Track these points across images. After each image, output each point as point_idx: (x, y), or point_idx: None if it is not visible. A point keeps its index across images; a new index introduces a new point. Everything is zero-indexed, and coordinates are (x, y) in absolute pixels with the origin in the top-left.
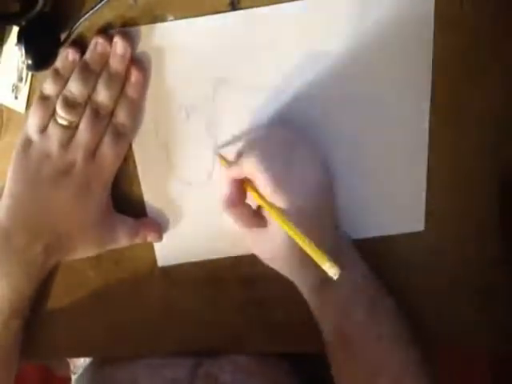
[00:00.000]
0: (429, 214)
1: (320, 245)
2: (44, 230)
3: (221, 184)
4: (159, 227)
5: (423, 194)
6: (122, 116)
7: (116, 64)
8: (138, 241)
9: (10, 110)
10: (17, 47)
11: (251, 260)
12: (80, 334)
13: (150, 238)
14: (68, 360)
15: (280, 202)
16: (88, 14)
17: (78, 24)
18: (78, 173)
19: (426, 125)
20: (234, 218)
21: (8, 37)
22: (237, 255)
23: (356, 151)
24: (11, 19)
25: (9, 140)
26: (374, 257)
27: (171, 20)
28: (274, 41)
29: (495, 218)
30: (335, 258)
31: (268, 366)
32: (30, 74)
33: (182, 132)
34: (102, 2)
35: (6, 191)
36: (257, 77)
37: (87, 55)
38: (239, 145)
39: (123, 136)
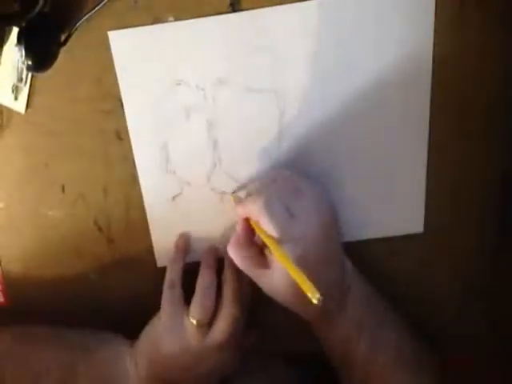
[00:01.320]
0: (428, 216)
1: (326, 287)
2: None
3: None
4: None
5: (422, 196)
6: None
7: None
8: None
9: (10, 110)
10: (17, 48)
11: None
12: None
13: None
14: None
15: (283, 247)
16: (88, 14)
17: (78, 24)
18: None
19: (426, 126)
20: (240, 260)
21: (8, 37)
22: None
23: (356, 153)
24: (11, 19)
25: (9, 140)
26: (374, 258)
27: (171, 21)
28: (274, 42)
29: (496, 218)
30: (339, 299)
31: (268, 365)
32: (30, 74)
33: (181, 132)
34: (102, 3)
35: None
36: (257, 78)
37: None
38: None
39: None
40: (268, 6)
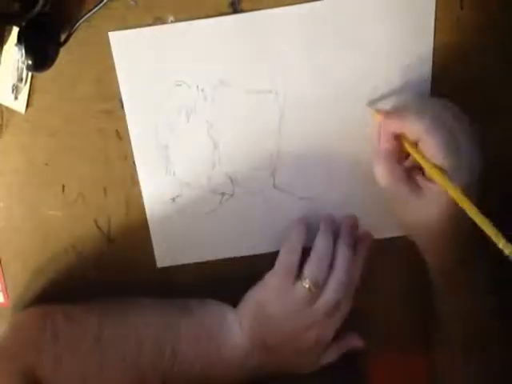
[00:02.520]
0: None
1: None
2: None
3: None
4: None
5: None
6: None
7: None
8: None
9: (10, 110)
10: (17, 47)
11: (251, 260)
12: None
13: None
14: None
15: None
16: (88, 14)
17: (78, 24)
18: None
19: None
20: (386, 175)
21: (8, 37)
22: (236, 256)
23: (356, 153)
24: (11, 19)
25: (9, 140)
26: (374, 258)
27: (172, 21)
28: (274, 43)
29: (495, 215)
30: None
31: None
32: (29, 74)
33: (181, 133)
34: (102, 3)
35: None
36: (257, 79)
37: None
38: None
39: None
40: (268, 7)
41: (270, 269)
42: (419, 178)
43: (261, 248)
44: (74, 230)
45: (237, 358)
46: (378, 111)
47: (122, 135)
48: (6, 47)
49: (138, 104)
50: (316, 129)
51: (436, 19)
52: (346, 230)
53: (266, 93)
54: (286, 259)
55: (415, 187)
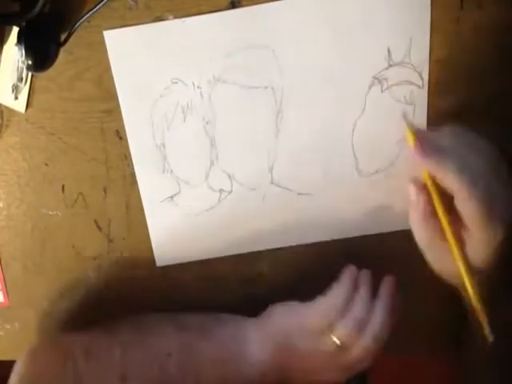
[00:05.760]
0: None
1: None
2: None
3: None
4: None
5: None
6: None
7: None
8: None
9: (10, 110)
10: (17, 47)
11: (251, 259)
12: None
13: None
14: None
15: (482, 232)
16: (88, 14)
17: (78, 24)
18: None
19: (425, 126)
20: (422, 233)
21: (8, 37)
22: (236, 254)
23: (354, 150)
24: (11, 19)
25: (9, 140)
26: (372, 254)
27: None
28: (271, 39)
29: None
30: None
31: None
32: (30, 74)
33: (178, 131)
34: (102, 3)
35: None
36: (254, 75)
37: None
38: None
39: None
40: (267, 1)
41: (268, 267)
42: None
43: (261, 245)
44: (74, 230)
45: (256, 375)
46: (414, 136)
47: (121, 135)
48: (5, 47)
49: (134, 103)
50: (313, 124)
51: (436, 19)
52: (387, 293)
53: (263, 89)
54: (334, 303)
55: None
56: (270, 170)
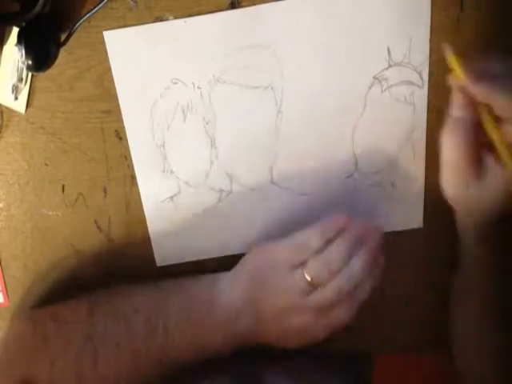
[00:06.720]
0: (428, 211)
1: None
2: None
3: None
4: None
5: (422, 191)
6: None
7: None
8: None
9: (10, 110)
10: (17, 47)
11: None
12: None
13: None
14: None
15: None
16: (88, 14)
17: (78, 24)
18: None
19: (424, 126)
20: (453, 147)
21: (8, 37)
22: (236, 254)
23: (354, 149)
24: (11, 19)
25: (9, 140)
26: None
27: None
28: (271, 39)
29: None
30: None
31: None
32: (30, 74)
33: (178, 131)
34: (102, 3)
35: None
36: (254, 75)
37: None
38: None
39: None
40: (267, 1)
41: None
42: (488, 159)
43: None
44: (74, 230)
45: (227, 317)
46: (463, 68)
47: (121, 135)
48: (5, 47)
49: (134, 103)
50: (314, 124)
51: (436, 20)
52: (372, 244)
53: (263, 89)
54: (309, 240)
55: (478, 167)
56: (270, 170)
